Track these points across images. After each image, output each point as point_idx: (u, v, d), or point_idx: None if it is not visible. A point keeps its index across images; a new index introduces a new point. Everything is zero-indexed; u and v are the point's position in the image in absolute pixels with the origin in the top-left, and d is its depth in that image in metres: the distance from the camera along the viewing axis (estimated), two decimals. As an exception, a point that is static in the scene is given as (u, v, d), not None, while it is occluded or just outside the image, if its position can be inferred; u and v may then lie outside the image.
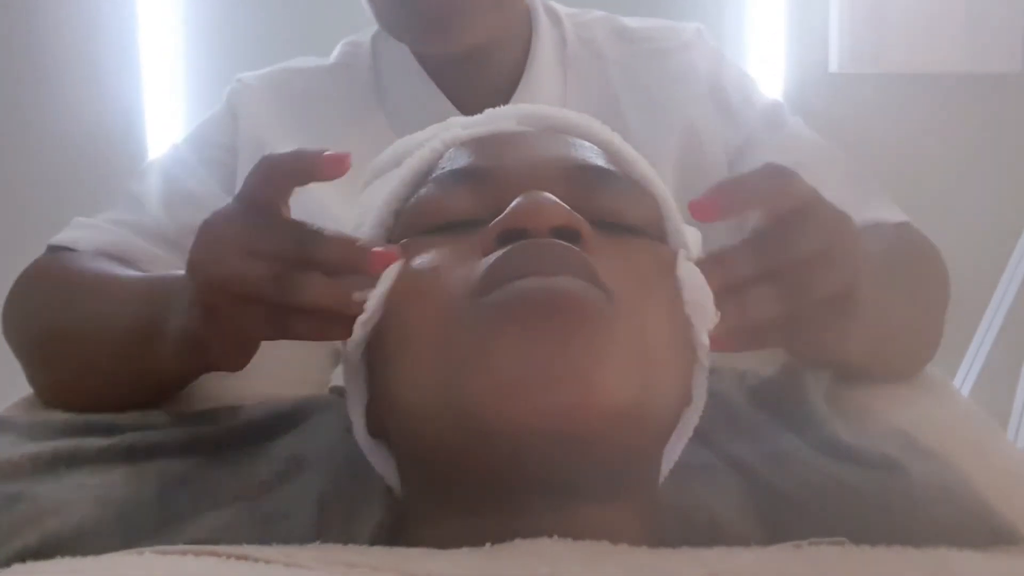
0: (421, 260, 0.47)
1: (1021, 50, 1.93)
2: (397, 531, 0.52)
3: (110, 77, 1.90)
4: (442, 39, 0.80)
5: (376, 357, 0.50)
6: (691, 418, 0.54)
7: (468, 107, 0.81)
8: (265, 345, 0.60)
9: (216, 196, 0.82)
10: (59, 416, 0.65)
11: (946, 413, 0.73)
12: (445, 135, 0.56)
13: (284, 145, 0.56)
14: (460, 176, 0.51)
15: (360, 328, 0.47)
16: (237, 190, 0.52)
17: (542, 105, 0.59)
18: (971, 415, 0.75)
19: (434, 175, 0.53)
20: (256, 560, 0.39)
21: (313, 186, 0.51)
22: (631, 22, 0.96)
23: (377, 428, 0.53)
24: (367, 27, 0.94)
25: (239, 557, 0.39)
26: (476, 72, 0.86)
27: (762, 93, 0.98)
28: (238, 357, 0.55)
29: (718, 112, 0.92)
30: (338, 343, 0.57)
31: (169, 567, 0.39)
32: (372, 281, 0.47)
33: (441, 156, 0.55)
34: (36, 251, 0.86)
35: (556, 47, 0.91)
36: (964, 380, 1.72)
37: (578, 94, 0.90)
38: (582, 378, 0.41)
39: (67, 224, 0.86)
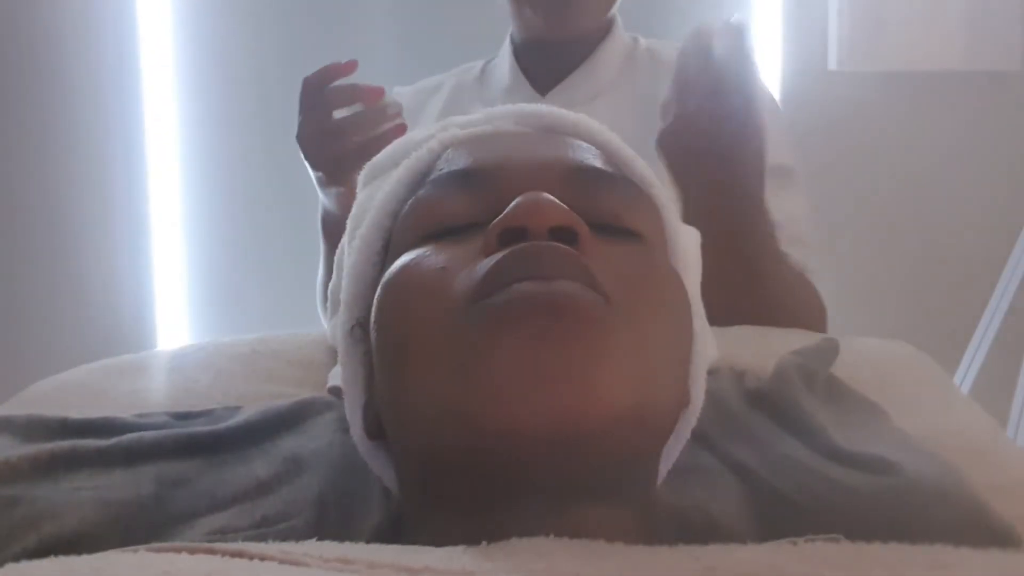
0: (420, 261, 0.47)
1: (1020, 48, 1.93)
2: (395, 532, 0.52)
3: (109, 77, 1.90)
4: (570, 22, 1.05)
5: (376, 358, 0.50)
6: (689, 419, 0.54)
7: (540, 84, 1.10)
8: (266, 346, 0.67)
9: None
10: (56, 416, 0.65)
11: (945, 412, 0.73)
12: (443, 135, 0.56)
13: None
14: (458, 177, 0.51)
15: None
16: None
17: (541, 105, 0.59)
18: (971, 414, 0.74)
19: (432, 176, 0.53)
20: (251, 557, 0.39)
21: None
22: (658, 43, 1.17)
23: (375, 429, 0.53)
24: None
25: (234, 554, 0.39)
26: (557, 57, 1.08)
27: (783, 148, 1.04)
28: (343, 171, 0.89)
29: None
30: (336, 345, 0.57)
31: (164, 564, 0.38)
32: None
33: (439, 157, 0.55)
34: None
35: (625, 48, 1.13)
36: (964, 378, 1.72)
37: (625, 88, 1.09)
38: (580, 382, 0.41)
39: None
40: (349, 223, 0.68)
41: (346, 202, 0.92)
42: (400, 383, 0.46)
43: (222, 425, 0.64)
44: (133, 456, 0.59)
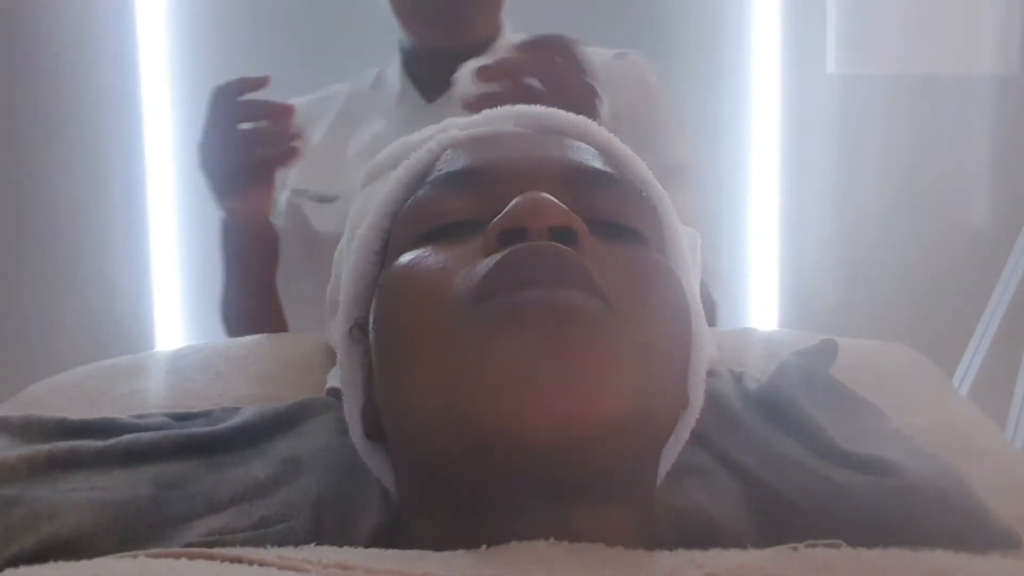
0: (419, 261, 0.47)
1: (1019, 52, 1.93)
2: (394, 533, 0.52)
3: (108, 76, 1.90)
4: (454, 33, 1.03)
5: (375, 359, 0.50)
6: (688, 420, 0.54)
7: (427, 91, 1.09)
8: (264, 347, 0.68)
9: None
10: (54, 417, 0.65)
11: (944, 413, 0.73)
12: (442, 136, 0.56)
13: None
14: (457, 178, 0.51)
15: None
16: None
17: (540, 106, 0.59)
18: (969, 415, 0.74)
19: (431, 177, 0.53)
20: (251, 562, 0.39)
21: None
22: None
23: (374, 430, 0.53)
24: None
25: (233, 559, 0.39)
26: (443, 64, 1.02)
27: (683, 144, 1.07)
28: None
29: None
30: (334, 346, 0.57)
31: (162, 570, 0.38)
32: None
33: (438, 158, 0.55)
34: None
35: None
36: (963, 379, 1.72)
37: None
38: (582, 388, 0.41)
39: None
40: (348, 224, 0.68)
41: (240, 214, 0.94)
42: (400, 384, 0.46)
43: (220, 426, 0.64)
44: (131, 457, 0.59)
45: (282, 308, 1.04)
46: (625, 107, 0.98)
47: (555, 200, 0.45)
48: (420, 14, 1.05)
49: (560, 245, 0.44)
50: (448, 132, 0.56)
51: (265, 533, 0.52)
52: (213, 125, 0.88)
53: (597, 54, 1.07)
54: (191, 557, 0.40)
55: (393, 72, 1.16)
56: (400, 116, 1.09)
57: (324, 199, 1.07)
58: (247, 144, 0.88)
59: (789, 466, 0.58)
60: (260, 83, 0.89)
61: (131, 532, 0.52)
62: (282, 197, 1.10)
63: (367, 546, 0.51)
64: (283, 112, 0.88)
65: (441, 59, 1.05)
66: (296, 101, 1.15)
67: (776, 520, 0.55)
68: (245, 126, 0.89)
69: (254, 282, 1.02)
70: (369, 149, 1.05)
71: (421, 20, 1.06)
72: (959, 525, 0.53)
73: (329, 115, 1.16)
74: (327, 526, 0.54)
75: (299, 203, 1.10)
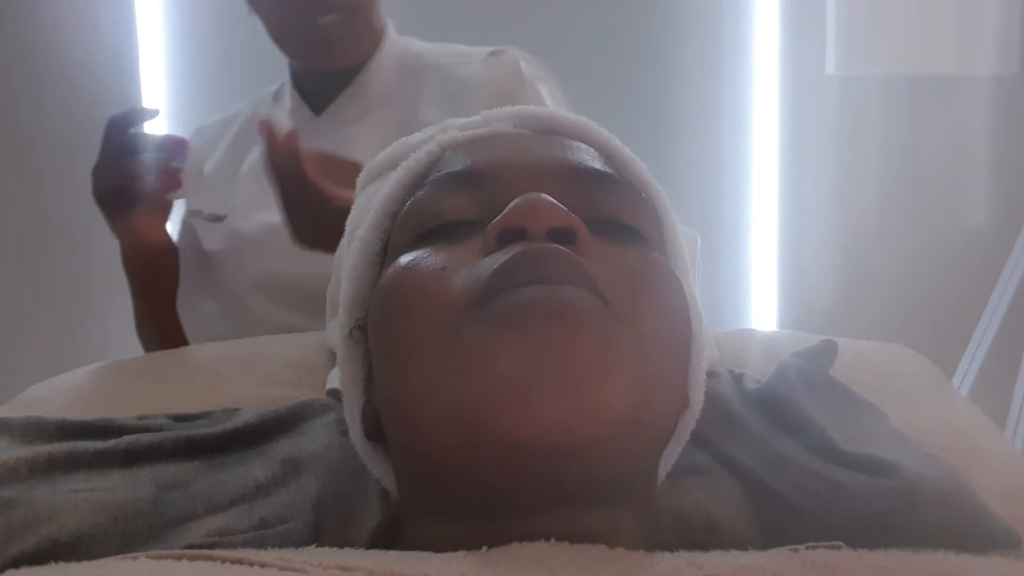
0: (419, 262, 0.47)
1: (1018, 52, 1.93)
2: (394, 534, 0.52)
3: (108, 76, 1.90)
4: (324, 59, 1.09)
5: (375, 359, 0.50)
6: (688, 421, 0.54)
7: (315, 104, 1.13)
8: (264, 348, 0.68)
9: None
10: (54, 418, 0.65)
11: (944, 413, 0.73)
12: (442, 137, 0.56)
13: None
14: (457, 178, 0.51)
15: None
16: None
17: (539, 107, 0.59)
18: (969, 415, 0.74)
19: (431, 177, 0.53)
20: (251, 564, 0.39)
21: None
22: (431, 47, 1.20)
23: (374, 431, 0.53)
24: None
25: (235, 561, 0.39)
26: (328, 77, 1.11)
27: None
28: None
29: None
30: (334, 347, 0.57)
31: (164, 571, 0.38)
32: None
33: (438, 158, 0.55)
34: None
35: (399, 59, 1.15)
36: (963, 380, 1.72)
37: (399, 100, 1.12)
38: (583, 391, 0.41)
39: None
40: (348, 225, 0.68)
41: (128, 241, 0.98)
42: (400, 385, 0.46)
43: (220, 427, 0.64)
44: (131, 458, 0.59)
45: (182, 328, 1.07)
46: (499, 98, 1.01)
47: (554, 200, 0.45)
48: (292, 45, 1.09)
49: (560, 246, 0.44)
50: (448, 133, 0.56)
51: (265, 534, 0.52)
52: (102, 155, 0.91)
53: (472, 53, 1.12)
54: (192, 559, 0.40)
55: (285, 87, 1.19)
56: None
57: (215, 218, 1.10)
58: (131, 175, 0.90)
59: (789, 466, 0.58)
60: (151, 114, 0.93)
61: (131, 533, 0.52)
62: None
63: (367, 547, 0.51)
64: (171, 145, 0.91)
65: (323, 75, 1.12)
66: (205, 124, 1.23)
67: (776, 520, 0.55)
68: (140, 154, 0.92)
69: (153, 303, 1.06)
70: (259, 166, 1.07)
71: (294, 50, 1.10)
72: (959, 525, 0.53)
73: (228, 135, 1.18)
74: (327, 527, 0.54)
75: (193, 224, 1.13)
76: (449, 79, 1.10)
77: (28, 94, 1.87)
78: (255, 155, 1.10)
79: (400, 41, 1.16)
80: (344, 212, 0.77)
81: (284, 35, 1.08)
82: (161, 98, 1.96)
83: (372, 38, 1.11)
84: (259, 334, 0.91)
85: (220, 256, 1.08)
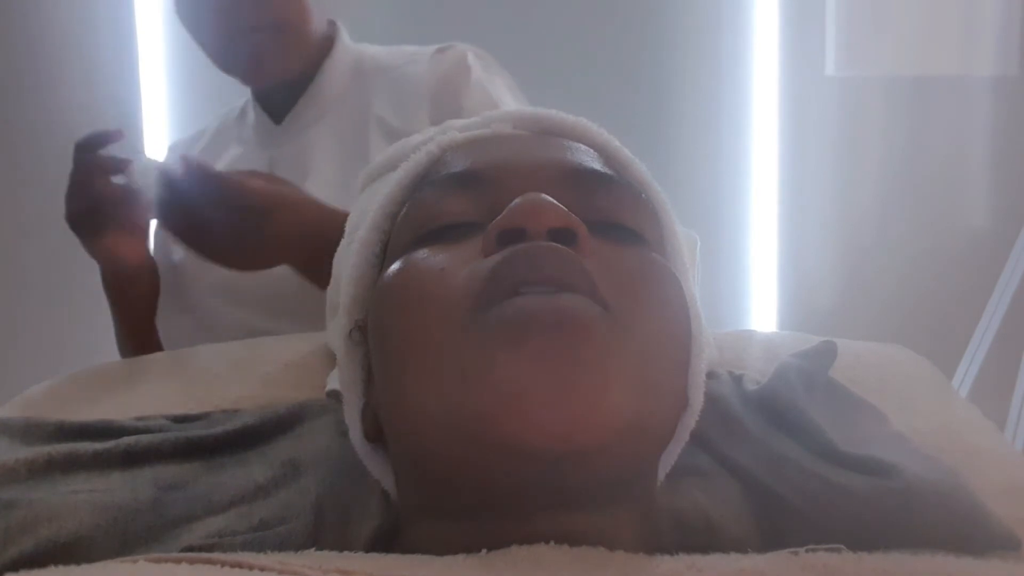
0: (418, 263, 0.47)
1: (1018, 53, 1.93)
2: (393, 536, 0.52)
3: (108, 77, 1.90)
4: (259, 78, 1.11)
5: (375, 361, 0.50)
6: (688, 422, 0.54)
7: (275, 114, 1.14)
8: (263, 349, 0.67)
9: None
10: (53, 419, 0.65)
11: (944, 415, 0.73)
12: (441, 138, 0.56)
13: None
14: (456, 179, 0.51)
15: None
16: None
17: (539, 108, 0.59)
18: (969, 417, 0.74)
19: (430, 178, 0.53)
20: (251, 567, 0.39)
21: None
22: (383, 50, 1.20)
23: (374, 433, 0.53)
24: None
25: (234, 564, 0.39)
26: (284, 86, 1.13)
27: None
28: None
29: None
30: (335, 348, 0.57)
31: (162, 575, 0.38)
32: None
33: (437, 159, 0.55)
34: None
35: (352, 62, 1.15)
36: (962, 381, 1.72)
37: (352, 103, 1.12)
38: (584, 397, 0.41)
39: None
40: (348, 226, 0.68)
41: (104, 262, 0.98)
42: (400, 387, 0.46)
43: (220, 429, 0.64)
44: (130, 459, 0.59)
45: (159, 343, 1.08)
46: (445, 92, 1.06)
47: (554, 201, 0.45)
48: (226, 66, 1.10)
49: (559, 245, 0.44)
50: (447, 134, 0.56)
51: (264, 536, 0.52)
52: (71, 178, 0.92)
53: (418, 52, 1.14)
54: (191, 562, 0.40)
55: (249, 99, 1.20)
56: (254, 140, 1.15)
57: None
58: (99, 197, 0.91)
59: (788, 468, 0.58)
60: (117, 136, 0.93)
61: (130, 535, 0.52)
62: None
63: (367, 549, 0.51)
64: (127, 163, 0.92)
65: (278, 86, 1.13)
66: (178, 142, 1.24)
67: (775, 522, 0.55)
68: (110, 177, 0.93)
69: (131, 320, 1.06)
70: None
71: (230, 70, 1.10)
72: (959, 527, 0.53)
73: (196, 151, 1.19)
74: (327, 529, 0.54)
75: (164, 238, 1.12)
76: (399, 79, 1.12)
77: (29, 96, 1.87)
78: (221, 165, 1.12)
79: (353, 46, 1.18)
80: (267, 207, 0.81)
81: (217, 57, 1.09)
82: (161, 100, 1.96)
83: (309, 50, 1.11)
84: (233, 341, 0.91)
85: (184, 265, 1.09)
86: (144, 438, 0.61)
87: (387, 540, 0.53)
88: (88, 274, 1.03)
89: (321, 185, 1.03)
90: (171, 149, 1.24)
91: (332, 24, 1.18)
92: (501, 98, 1.09)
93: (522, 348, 0.41)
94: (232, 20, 1.03)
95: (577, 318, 0.42)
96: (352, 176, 0.97)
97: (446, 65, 1.11)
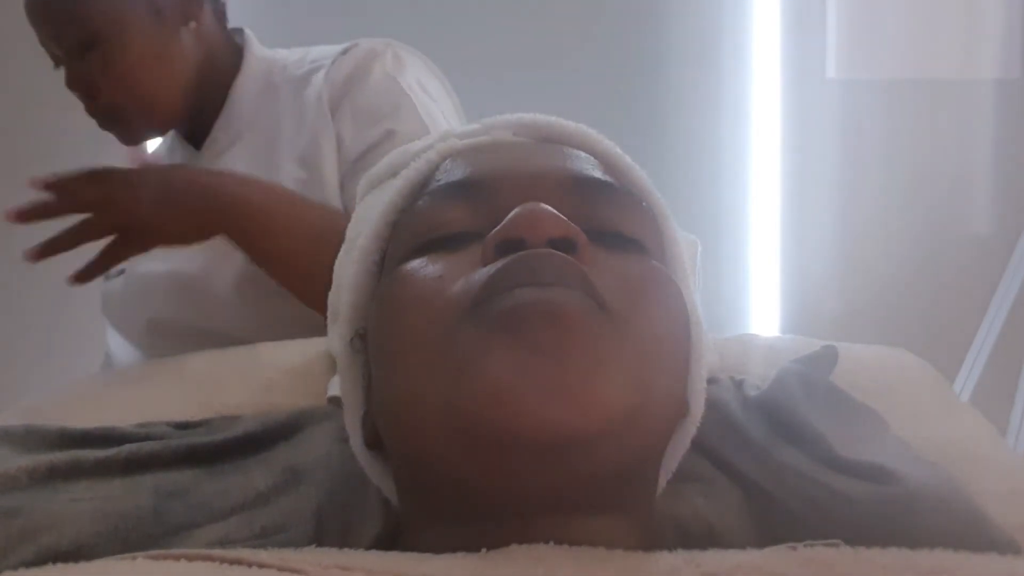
0: (417, 271, 0.47)
1: (1020, 56, 1.93)
2: (394, 542, 0.52)
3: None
4: (131, 148, 1.12)
5: (374, 368, 0.50)
6: (688, 428, 0.54)
7: (195, 140, 1.13)
8: (264, 355, 0.75)
9: None
10: (55, 426, 0.65)
11: (945, 419, 0.73)
12: (441, 146, 0.56)
13: None
14: (456, 188, 0.51)
15: None
16: None
17: (539, 115, 0.59)
18: (970, 421, 0.74)
19: (430, 187, 0.53)
20: (250, 565, 0.39)
21: None
22: (295, 55, 1.18)
23: (374, 439, 0.53)
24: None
25: (232, 561, 0.39)
26: (199, 112, 1.11)
27: (405, 118, 1.07)
28: None
29: (349, 126, 1.07)
30: (336, 355, 0.57)
31: (161, 572, 0.38)
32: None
33: (437, 167, 0.55)
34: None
35: (262, 76, 1.14)
36: (964, 386, 1.72)
37: (266, 119, 1.11)
38: (577, 389, 0.41)
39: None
40: (348, 233, 0.68)
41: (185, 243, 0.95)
42: (396, 391, 0.46)
43: (221, 435, 0.64)
44: (132, 466, 0.59)
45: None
46: (347, 96, 1.05)
47: (554, 210, 0.45)
48: (107, 129, 1.09)
49: (558, 252, 0.44)
50: (447, 142, 0.56)
51: (266, 542, 0.52)
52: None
53: (325, 56, 1.12)
54: (190, 559, 0.40)
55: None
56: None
57: (119, 272, 1.09)
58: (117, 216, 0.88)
59: (789, 473, 0.58)
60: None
61: (131, 542, 0.52)
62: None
63: (367, 553, 0.51)
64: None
65: (192, 112, 1.11)
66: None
67: (776, 528, 0.55)
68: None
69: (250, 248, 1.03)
70: None
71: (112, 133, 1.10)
72: (959, 533, 0.53)
73: None
74: (328, 535, 0.54)
75: (106, 287, 1.12)
76: (302, 90, 1.10)
77: (29, 99, 1.87)
78: None
79: (264, 57, 1.15)
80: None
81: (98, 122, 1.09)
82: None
83: (233, 51, 1.12)
84: None
85: (115, 305, 1.10)
86: (145, 445, 0.61)
87: (388, 546, 0.53)
88: (89, 283, 1.03)
89: None
90: None
91: (240, 34, 1.17)
92: (412, 94, 1.07)
93: (514, 338, 0.41)
94: (89, 109, 1.05)
95: (570, 309, 0.42)
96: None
97: (346, 68, 1.09)
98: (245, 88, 1.12)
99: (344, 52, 1.11)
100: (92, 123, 1.08)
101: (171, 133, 1.19)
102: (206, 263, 1.02)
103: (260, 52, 1.16)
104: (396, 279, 0.48)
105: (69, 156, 0.93)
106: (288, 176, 1.04)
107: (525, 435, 0.40)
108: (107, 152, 1.12)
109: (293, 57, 1.16)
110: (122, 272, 1.09)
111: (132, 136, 1.10)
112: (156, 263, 1.01)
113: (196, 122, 1.12)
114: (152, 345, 1.05)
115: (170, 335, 1.03)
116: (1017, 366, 1.70)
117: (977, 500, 0.56)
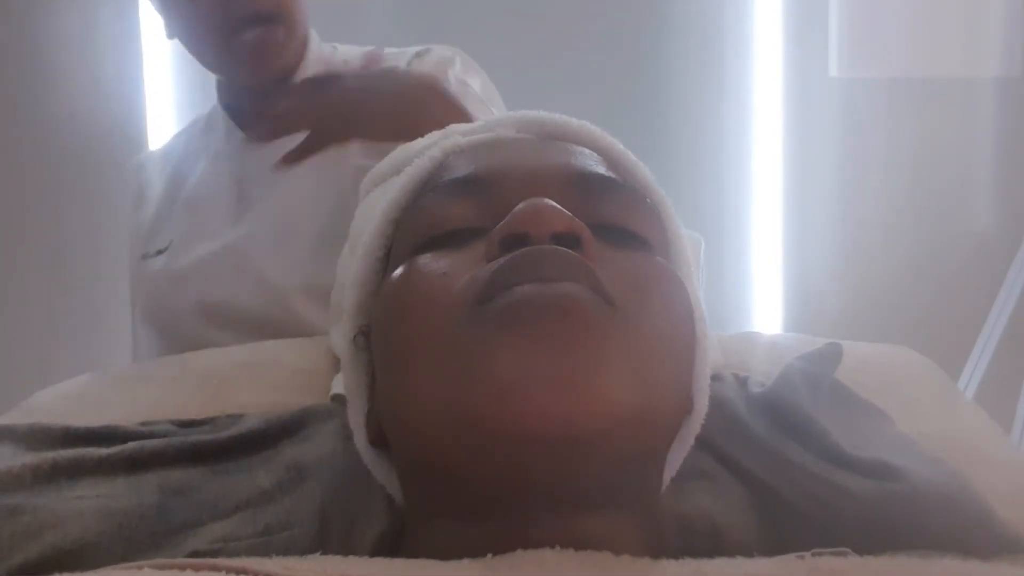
0: (421, 268, 0.47)
1: (1021, 55, 1.93)
2: (398, 541, 0.52)
3: (111, 77, 1.90)
4: (259, 71, 1.06)
5: (378, 365, 0.50)
6: (693, 425, 0.53)
7: (243, 122, 1.12)
8: (268, 354, 0.67)
9: None
10: (58, 424, 0.65)
11: (949, 417, 0.73)
12: (444, 143, 0.56)
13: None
14: (460, 185, 0.51)
15: None
16: None
17: (543, 112, 0.59)
18: (974, 419, 0.74)
19: (434, 184, 0.53)
20: (255, 573, 0.39)
21: None
22: (355, 53, 1.18)
23: (378, 437, 0.53)
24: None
25: (239, 571, 0.39)
26: (257, 95, 1.09)
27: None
28: None
29: None
30: (340, 353, 0.57)
31: (167, 582, 0.38)
32: None
33: (441, 164, 0.55)
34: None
35: (323, 67, 1.12)
36: (968, 383, 1.72)
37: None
38: (582, 384, 0.40)
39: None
40: (352, 231, 0.68)
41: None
42: (401, 389, 0.46)
43: (225, 433, 0.64)
44: (136, 465, 0.59)
45: None
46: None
47: (558, 206, 0.45)
48: (216, 64, 1.09)
49: (563, 248, 0.44)
50: (451, 138, 0.56)
51: (269, 541, 0.52)
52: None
53: (400, 54, 1.12)
54: (196, 568, 0.39)
55: (217, 110, 1.18)
56: (221, 151, 1.12)
57: (159, 252, 1.09)
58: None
59: (793, 471, 0.57)
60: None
61: (135, 540, 0.52)
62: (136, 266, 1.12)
63: (371, 554, 0.51)
64: None
65: (249, 93, 1.11)
66: (138, 162, 1.23)
67: (780, 525, 0.55)
68: None
69: None
70: (195, 193, 1.09)
71: (219, 68, 1.10)
72: (965, 530, 0.53)
73: (168, 169, 1.18)
74: (332, 533, 0.54)
75: (142, 267, 1.12)
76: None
77: (30, 97, 1.87)
78: (190, 186, 1.11)
79: (324, 49, 1.15)
80: None
81: (206, 54, 1.07)
82: (164, 101, 1.96)
83: (298, 47, 1.09)
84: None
85: (161, 289, 1.08)
86: (149, 443, 0.61)
87: (392, 545, 0.53)
88: (91, 278, 1.03)
89: (293, 196, 1.02)
90: (139, 167, 1.21)
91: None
92: (482, 104, 1.06)
93: (520, 333, 0.41)
94: (231, 10, 1.01)
95: (576, 304, 0.42)
96: (327, 186, 0.97)
97: (426, 66, 1.08)
98: (308, 74, 1.10)
99: (418, 55, 1.11)
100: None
101: (214, 110, 1.18)
102: (266, 240, 1.02)
103: (319, 45, 1.15)
104: (400, 276, 0.48)
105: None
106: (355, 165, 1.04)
107: (531, 431, 0.40)
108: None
109: (353, 55, 1.16)
110: (162, 252, 1.08)
111: (267, 60, 1.05)
112: (204, 245, 0.99)
113: (248, 103, 1.11)
114: (196, 336, 1.02)
115: (221, 322, 1.02)
116: (1021, 364, 1.70)
117: (982, 497, 0.56)
